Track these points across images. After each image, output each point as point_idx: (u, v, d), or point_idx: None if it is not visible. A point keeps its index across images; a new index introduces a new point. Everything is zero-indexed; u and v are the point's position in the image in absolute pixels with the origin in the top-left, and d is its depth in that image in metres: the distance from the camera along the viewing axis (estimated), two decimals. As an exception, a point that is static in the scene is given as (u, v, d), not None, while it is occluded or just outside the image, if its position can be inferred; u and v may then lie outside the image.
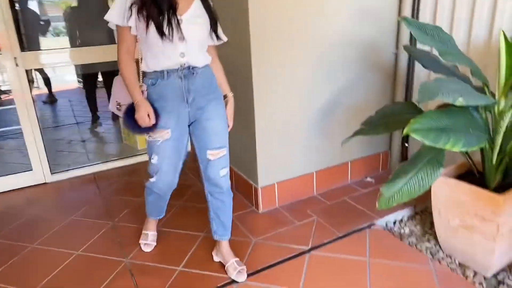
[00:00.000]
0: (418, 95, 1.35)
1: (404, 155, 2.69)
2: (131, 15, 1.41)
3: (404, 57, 2.44)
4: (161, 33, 1.39)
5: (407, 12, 2.34)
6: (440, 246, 1.90)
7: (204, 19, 1.50)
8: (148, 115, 1.48)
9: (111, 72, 3.12)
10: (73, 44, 3.60)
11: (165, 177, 1.66)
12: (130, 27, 1.45)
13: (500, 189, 1.64)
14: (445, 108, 1.51)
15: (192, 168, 2.92)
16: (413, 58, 1.91)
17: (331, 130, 2.36)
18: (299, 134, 2.26)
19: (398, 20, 1.92)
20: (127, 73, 1.49)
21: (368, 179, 2.59)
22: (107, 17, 1.45)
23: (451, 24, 2.15)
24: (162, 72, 1.50)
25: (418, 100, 1.34)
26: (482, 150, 1.65)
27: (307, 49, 2.14)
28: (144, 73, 1.54)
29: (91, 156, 3.32)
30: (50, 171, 2.82)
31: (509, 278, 1.69)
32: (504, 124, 1.52)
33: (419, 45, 2.28)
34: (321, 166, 2.40)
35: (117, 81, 1.66)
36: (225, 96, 1.68)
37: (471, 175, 1.81)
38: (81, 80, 4.60)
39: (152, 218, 1.99)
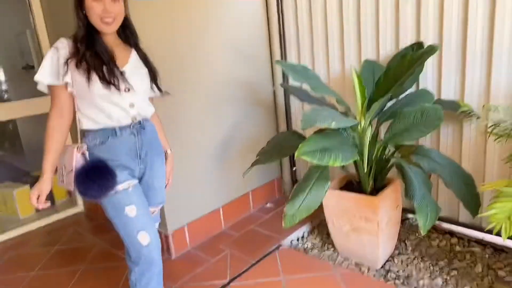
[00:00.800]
0: (301, 123, 1.60)
1: (293, 178, 3.00)
2: (67, 70, 1.33)
3: (280, 92, 2.78)
4: (107, 82, 1.34)
5: (277, 54, 2.71)
6: (338, 252, 2.18)
7: (145, 71, 1.50)
8: (41, 195, 1.34)
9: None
10: None
11: (154, 229, 1.47)
12: (67, 84, 1.35)
13: (374, 191, 2.00)
14: (321, 132, 1.80)
15: (88, 228, 2.76)
16: (288, 93, 2.21)
17: (230, 164, 2.52)
18: (201, 172, 2.36)
19: (275, 63, 2.21)
20: (52, 142, 1.37)
21: (268, 205, 2.80)
22: (38, 77, 1.34)
23: (313, 62, 2.58)
24: (113, 129, 1.42)
25: (302, 127, 1.59)
26: (355, 162, 1.99)
27: (198, 88, 2.29)
28: (86, 132, 1.43)
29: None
30: None
31: (394, 266, 2.02)
32: (367, 139, 1.89)
33: (291, 82, 2.66)
34: (226, 200, 2.52)
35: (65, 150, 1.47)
36: (165, 153, 1.65)
37: (350, 184, 2.15)
38: None
39: None
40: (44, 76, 1.35)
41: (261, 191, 2.79)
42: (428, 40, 2.07)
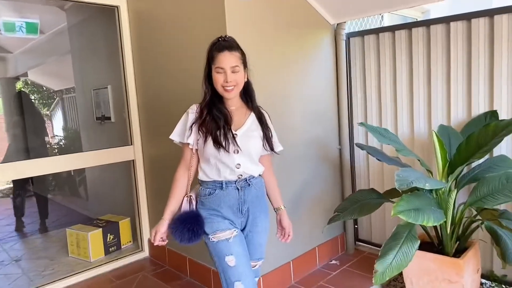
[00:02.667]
0: (396, 183, 1.70)
1: (356, 236, 3.03)
2: (190, 134, 1.59)
3: (346, 151, 2.92)
4: (218, 145, 1.53)
5: (345, 117, 2.89)
6: (415, 314, 2.15)
7: (258, 133, 1.64)
8: (156, 234, 1.57)
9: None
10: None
11: (250, 281, 1.55)
12: (189, 144, 1.60)
13: (457, 253, 2.02)
14: (411, 192, 1.89)
15: (156, 274, 2.83)
16: (367, 153, 2.34)
17: (299, 219, 2.60)
18: (274, 226, 2.44)
19: (358, 124, 2.37)
20: (175, 186, 1.62)
21: (333, 261, 2.82)
22: (171, 136, 1.65)
23: (380, 125, 2.73)
24: (220, 182, 1.59)
25: (398, 186, 1.68)
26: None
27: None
28: (200, 182, 1.65)
29: (33, 276, 2.95)
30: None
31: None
32: (452, 201, 1.96)
33: (356, 141, 2.80)
34: (296, 254, 2.57)
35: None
36: (278, 209, 1.76)
37: (428, 245, 2.18)
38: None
39: None
40: (174, 135, 1.66)
41: (326, 247, 2.82)
42: (502, 108, 2.20)
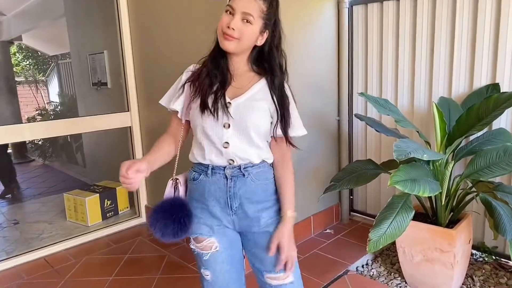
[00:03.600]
0: (394, 153, 1.70)
1: (351, 207, 3.07)
2: (179, 96, 1.27)
3: (345, 122, 2.90)
4: (203, 106, 1.19)
5: (344, 87, 2.85)
6: (406, 281, 2.21)
7: (265, 103, 1.24)
8: (128, 169, 1.07)
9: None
10: None
11: None
12: (178, 112, 1.29)
13: (450, 224, 2.05)
14: (408, 163, 1.90)
15: (152, 239, 2.88)
16: (366, 124, 2.33)
17: (296, 189, 2.60)
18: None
19: (358, 94, 2.34)
20: (155, 145, 1.27)
21: (328, 230, 2.87)
22: (160, 101, 1.33)
23: (381, 96, 2.70)
24: (207, 166, 1.25)
25: (396, 157, 1.68)
26: (432, 194, 2.06)
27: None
28: (192, 164, 1.32)
29: (31, 239, 2.99)
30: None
31: (467, 299, 2.05)
32: (448, 173, 1.97)
33: (356, 112, 2.78)
34: (292, 223, 2.61)
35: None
36: (280, 216, 1.28)
37: (422, 215, 2.21)
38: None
39: None
40: (163, 99, 1.33)
41: (321, 216, 2.86)
42: (504, 82, 2.17)
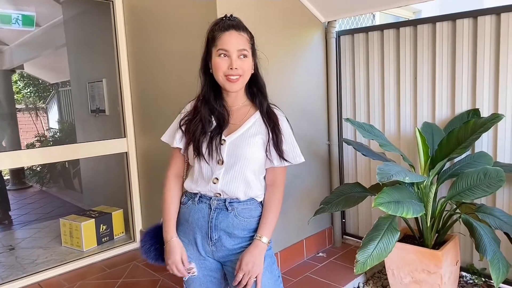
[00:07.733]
0: (377, 176, 1.77)
1: (343, 230, 3.11)
2: (180, 136, 1.33)
3: (335, 147, 2.99)
4: (197, 151, 1.25)
5: (334, 114, 2.95)
6: (397, 304, 2.24)
7: (260, 138, 1.28)
8: (182, 261, 1.26)
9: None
10: None
11: None
12: (180, 149, 1.34)
13: (437, 245, 2.10)
14: (392, 186, 1.97)
15: (147, 263, 2.89)
16: (354, 149, 2.40)
17: (288, 212, 2.68)
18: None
19: (344, 120, 2.43)
20: (166, 201, 1.33)
21: (320, 254, 2.90)
22: (162, 138, 1.38)
23: (368, 122, 2.80)
24: (195, 194, 1.31)
25: (378, 179, 1.75)
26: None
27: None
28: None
29: (26, 265, 3.00)
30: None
31: (456, 321, 2.07)
32: (432, 195, 2.04)
33: (345, 137, 2.87)
34: (284, 246, 2.64)
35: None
36: (254, 238, 1.29)
37: (410, 237, 2.26)
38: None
39: None
40: (165, 136, 1.39)
41: (313, 239, 2.90)
42: (484, 107, 2.27)
